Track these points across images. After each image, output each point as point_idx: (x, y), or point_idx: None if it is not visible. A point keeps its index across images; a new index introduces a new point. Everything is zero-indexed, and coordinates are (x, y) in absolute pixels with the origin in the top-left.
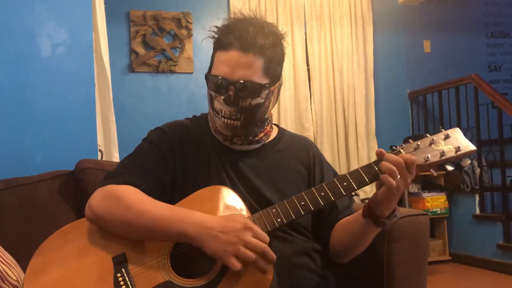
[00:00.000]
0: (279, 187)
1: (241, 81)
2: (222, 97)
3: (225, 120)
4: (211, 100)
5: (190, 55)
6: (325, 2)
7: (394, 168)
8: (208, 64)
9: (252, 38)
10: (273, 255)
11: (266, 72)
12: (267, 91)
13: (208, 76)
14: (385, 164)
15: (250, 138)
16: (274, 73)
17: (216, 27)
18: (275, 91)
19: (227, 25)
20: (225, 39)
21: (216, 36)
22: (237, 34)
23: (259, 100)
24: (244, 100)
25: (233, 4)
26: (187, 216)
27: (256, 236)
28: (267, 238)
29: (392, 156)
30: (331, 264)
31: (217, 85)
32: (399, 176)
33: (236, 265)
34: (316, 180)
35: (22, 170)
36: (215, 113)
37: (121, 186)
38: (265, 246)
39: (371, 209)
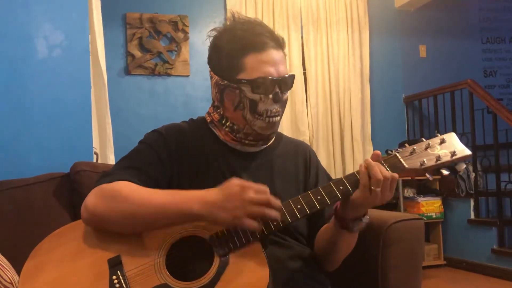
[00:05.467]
0: (277, 191)
1: (286, 76)
2: (271, 96)
3: (270, 119)
4: (253, 105)
5: (186, 58)
6: (322, 6)
7: (380, 177)
8: (203, 66)
9: (277, 36)
10: (277, 202)
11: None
12: None
13: (251, 81)
14: (375, 172)
15: None
16: (294, 78)
17: (231, 34)
18: None
19: (245, 29)
20: (257, 41)
21: (235, 41)
22: (267, 34)
23: (288, 93)
24: (284, 94)
25: (230, 7)
26: (188, 196)
27: (256, 191)
28: (266, 188)
29: (378, 166)
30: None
31: (265, 86)
32: (379, 189)
33: (253, 224)
34: (311, 184)
35: (17, 172)
36: (257, 116)
37: (115, 182)
38: (268, 196)
39: (339, 210)
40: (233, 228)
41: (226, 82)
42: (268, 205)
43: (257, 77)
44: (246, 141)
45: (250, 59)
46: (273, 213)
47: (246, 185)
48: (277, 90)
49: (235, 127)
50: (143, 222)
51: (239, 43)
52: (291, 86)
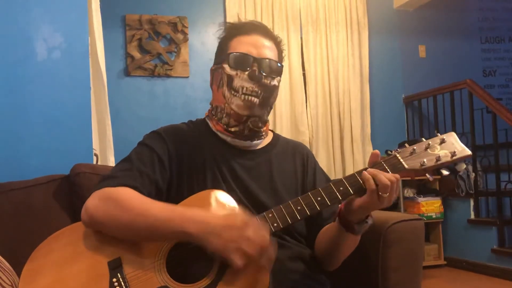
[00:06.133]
0: (275, 191)
1: (266, 59)
2: (246, 73)
3: (246, 97)
4: (230, 81)
5: (186, 59)
6: (321, 7)
7: (388, 183)
8: (203, 67)
9: (269, 29)
10: (273, 252)
11: (279, 62)
12: (279, 79)
13: (229, 55)
14: (381, 178)
15: (260, 125)
16: (281, 68)
17: (225, 23)
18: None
19: (239, 21)
20: (245, 26)
21: (227, 28)
22: (256, 24)
23: (276, 82)
24: (266, 78)
25: (229, 9)
26: (188, 214)
27: (257, 233)
28: (267, 234)
29: (381, 173)
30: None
31: (241, 61)
32: (387, 194)
33: (238, 261)
34: (308, 184)
35: (17, 174)
36: (233, 93)
37: (118, 188)
38: (266, 243)
39: (342, 212)
40: (219, 257)
41: (215, 66)
42: (264, 250)
43: (237, 51)
44: (232, 129)
45: (234, 41)
46: (264, 262)
47: (250, 222)
48: (255, 68)
49: (219, 109)
50: (139, 233)
51: (228, 30)
52: (277, 74)
